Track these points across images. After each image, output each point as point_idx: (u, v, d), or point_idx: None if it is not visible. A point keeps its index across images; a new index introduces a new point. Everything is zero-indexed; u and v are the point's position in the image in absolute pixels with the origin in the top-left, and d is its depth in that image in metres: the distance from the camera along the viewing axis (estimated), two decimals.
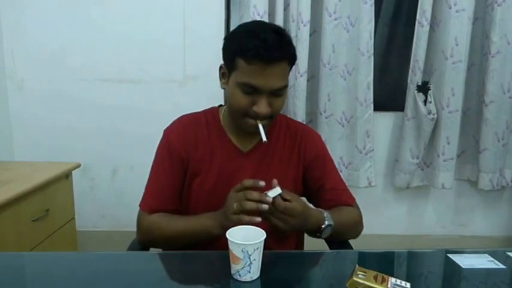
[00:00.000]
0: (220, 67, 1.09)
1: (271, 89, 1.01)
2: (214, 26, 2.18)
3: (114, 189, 2.38)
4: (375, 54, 2.18)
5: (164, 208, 1.11)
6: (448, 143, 2.23)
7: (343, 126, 2.26)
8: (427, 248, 1.42)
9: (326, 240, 1.13)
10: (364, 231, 1.18)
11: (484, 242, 2.47)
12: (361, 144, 2.25)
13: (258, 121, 1.04)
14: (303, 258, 1.04)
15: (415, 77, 2.19)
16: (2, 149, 2.23)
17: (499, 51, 2.12)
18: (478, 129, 2.26)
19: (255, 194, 0.94)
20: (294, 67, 1.10)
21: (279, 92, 1.03)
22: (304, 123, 2.01)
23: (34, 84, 2.25)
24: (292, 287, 0.89)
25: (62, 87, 2.25)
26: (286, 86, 1.04)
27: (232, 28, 1.13)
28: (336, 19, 2.13)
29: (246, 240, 0.82)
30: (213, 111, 1.19)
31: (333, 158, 1.26)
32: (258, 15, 2.04)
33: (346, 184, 1.23)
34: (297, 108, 2.16)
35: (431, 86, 2.22)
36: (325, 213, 1.06)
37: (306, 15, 2.08)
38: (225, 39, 1.07)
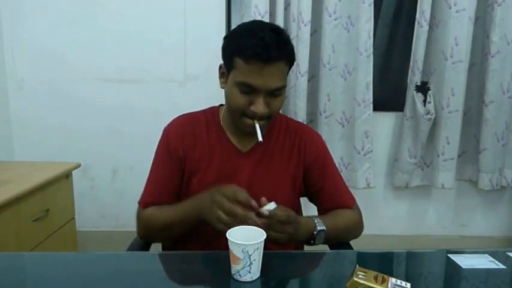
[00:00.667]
0: (220, 67, 1.09)
1: (268, 89, 1.00)
2: (215, 26, 2.18)
3: (114, 189, 2.37)
4: (374, 54, 2.17)
5: (160, 203, 1.12)
6: (448, 143, 2.23)
7: (343, 126, 2.26)
8: (427, 248, 1.41)
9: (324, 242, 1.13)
10: (364, 231, 1.18)
11: (484, 242, 2.47)
12: (359, 145, 2.25)
13: (255, 121, 1.03)
14: (303, 258, 1.03)
15: (414, 77, 2.20)
16: (2, 149, 2.23)
17: (499, 51, 2.12)
18: (478, 129, 2.26)
19: (240, 214, 0.90)
20: (294, 67, 1.10)
21: (276, 92, 1.02)
22: (305, 123, 2.01)
23: (34, 84, 2.25)
24: (292, 287, 0.89)
25: (62, 87, 2.25)
26: (284, 87, 1.04)
27: (232, 28, 1.13)
28: (335, 19, 2.13)
29: (246, 240, 0.82)
30: (213, 111, 1.19)
31: (333, 158, 1.25)
32: (259, 15, 2.04)
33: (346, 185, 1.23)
34: (297, 108, 2.16)
35: (431, 86, 2.22)
36: (316, 220, 1.05)
37: (307, 15, 2.08)
38: (224, 38, 1.07)
